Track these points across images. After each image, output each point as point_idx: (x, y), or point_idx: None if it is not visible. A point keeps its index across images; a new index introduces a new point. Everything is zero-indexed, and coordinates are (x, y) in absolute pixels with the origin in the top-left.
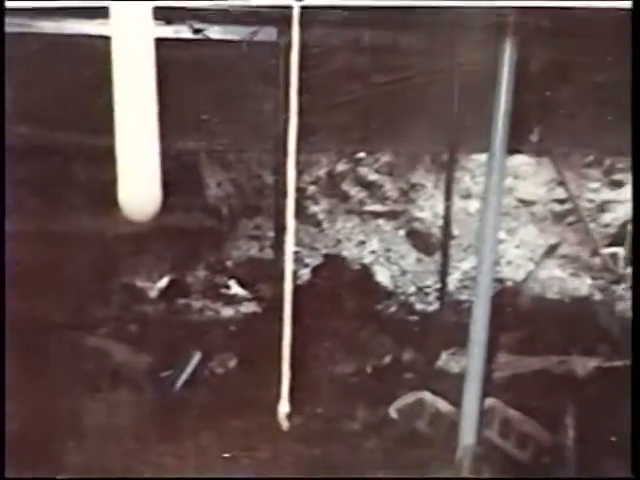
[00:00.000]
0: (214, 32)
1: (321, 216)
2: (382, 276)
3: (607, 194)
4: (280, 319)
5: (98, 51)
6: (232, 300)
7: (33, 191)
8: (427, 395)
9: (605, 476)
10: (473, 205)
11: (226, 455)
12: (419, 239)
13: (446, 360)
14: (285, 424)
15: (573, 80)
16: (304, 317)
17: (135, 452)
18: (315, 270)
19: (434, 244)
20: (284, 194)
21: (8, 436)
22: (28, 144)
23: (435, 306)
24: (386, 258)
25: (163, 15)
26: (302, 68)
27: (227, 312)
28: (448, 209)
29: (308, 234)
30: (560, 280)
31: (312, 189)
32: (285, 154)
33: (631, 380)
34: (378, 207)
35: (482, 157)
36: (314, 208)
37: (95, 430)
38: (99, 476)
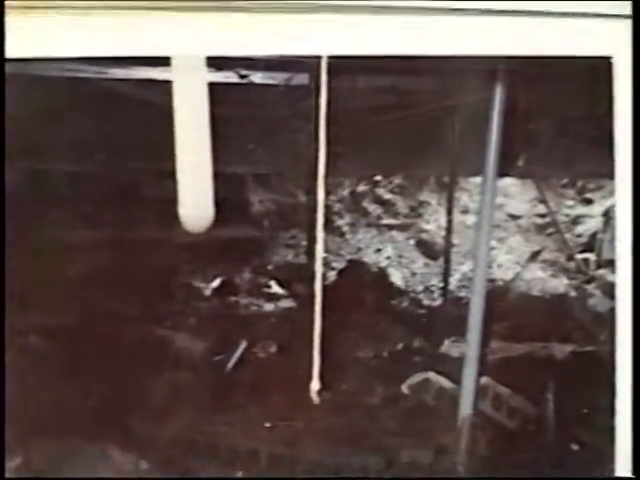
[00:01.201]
0: (257, 77)
1: (345, 228)
2: (395, 277)
3: (580, 210)
4: (312, 312)
5: (158, 96)
6: (272, 297)
7: (110, 207)
8: (432, 375)
9: (580, 441)
10: (470, 219)
11: (268, 425)
12: (426, 247)
13: (448, 346)
14: (316, 399)
15: (551, 116)
16: (332, 311)
17: (193, 422)
18: (341, 272)
19: (438, 251)
20: (315, 210)
21: (88, 410)
22: (106, 169)
23: (439, 302)
24: (399, 262)
25: (215, 63)
26: (329, 107)
27: (268, 307)
28: (450, 222)
29: (335, 243)
30: (542, 280)
31: (338, 206)
32: (316, 177)
33: (632, 381)
34: (392, 221)
35: (477, 179)
36: (339, 222)
37: (160, 405)
38: (166, 441)
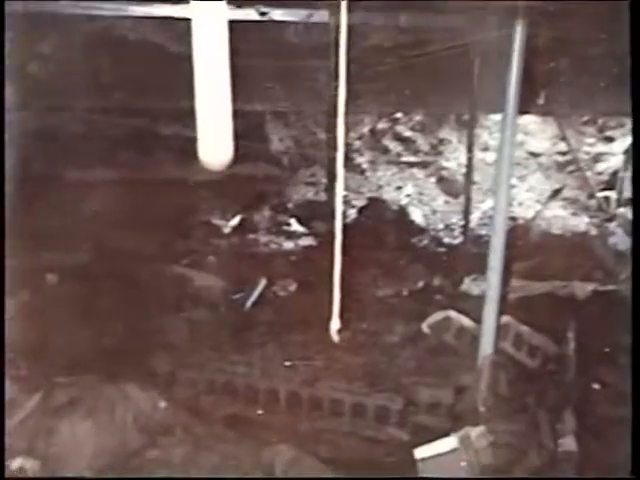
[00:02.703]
0: (277, 15)
1: (365, 166)
2: (416, 215)
3: (600, 147)
4: (332, 251)
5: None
6: (292, 235)
7: (128, 145)
8: (453, 313)
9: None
10: (490, 156)
11: (287, 363)
12: (446, 184)
13: (469, 284)
14: (336, 338)
15: (572, 53)
16: (352, 249)
17: (211, 361)
18: (361, 210)
19: (459, 188)
20: (335, 148)
21: (107, 350)
22: (123, 108)
23: (460, 240)
24: (419, 200)
25: (235, 1)
26: (349, 44)
27: (288, 245)
28: (470, 160)
29: (355, 180)
30: (562, 218)
31: (358, 144)
32: (335, 115)
33: (631, 384)
34: (412, 158)
35: (497, 117)
36: (359, 159)
37: (178, 343)
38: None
